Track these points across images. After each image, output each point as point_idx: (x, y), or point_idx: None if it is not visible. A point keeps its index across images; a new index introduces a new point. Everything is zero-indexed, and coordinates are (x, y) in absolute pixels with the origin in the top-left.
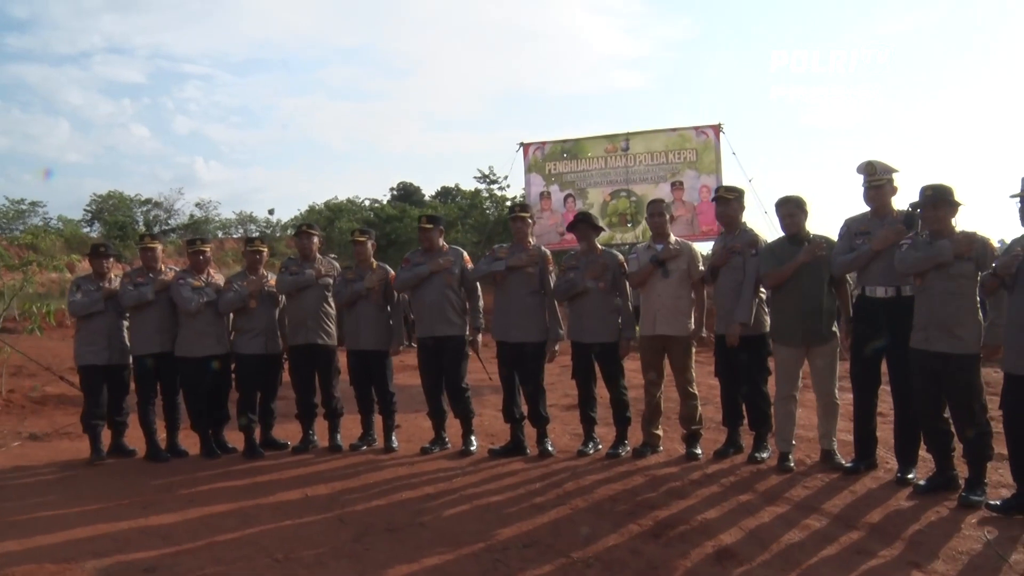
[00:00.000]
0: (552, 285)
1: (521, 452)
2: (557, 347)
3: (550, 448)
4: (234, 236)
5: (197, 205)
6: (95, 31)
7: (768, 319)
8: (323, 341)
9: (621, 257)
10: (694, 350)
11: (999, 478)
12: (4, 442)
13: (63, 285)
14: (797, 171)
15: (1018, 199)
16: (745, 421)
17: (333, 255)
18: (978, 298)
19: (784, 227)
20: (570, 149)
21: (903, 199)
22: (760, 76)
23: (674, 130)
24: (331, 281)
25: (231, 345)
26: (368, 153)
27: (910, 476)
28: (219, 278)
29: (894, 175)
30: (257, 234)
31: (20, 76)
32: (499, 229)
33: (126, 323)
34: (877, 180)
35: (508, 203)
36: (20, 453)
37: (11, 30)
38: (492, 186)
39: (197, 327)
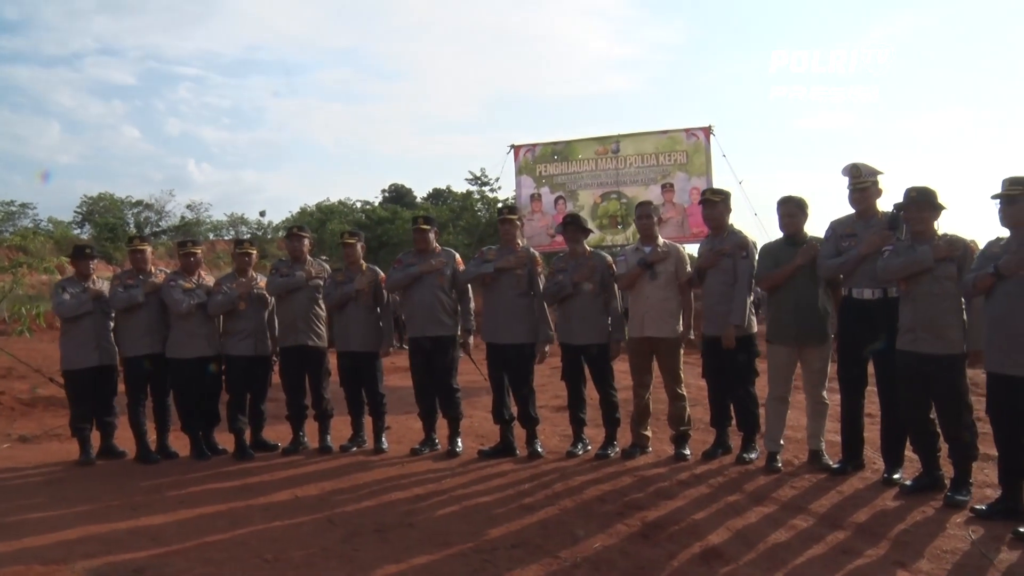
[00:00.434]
0: (541, 287)
1: (511, 453)
2: (547, 348)
3: (540, 449)
4: (225, 238)
5: (188, 207)
6: (87, 33)
7: (756, 320)
8: (313, 343)
9: (610, 259)
10: (682, 352)
11: (984, 478)
12: None
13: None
14: (788, 173)
15: (998, 200)
16: (733, 422)
17: (324, 257)
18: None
19: (783, 226)
20: (561, 151)
21: (889, 200)
22: (751, 78)
23: (664, 132)
24: (321, 283)
25: (221, 346)
26: (360, 155)
27: (896, 476)
28: (210, 280)
29: (879, 177)
30: (248, 236)
31: (10, 77)
32: (490, 231)
33: (111, 323)
34: (862, 183)
35: (500, 205)
36: (9, 455)
37: (2, 31)
38: (484, 188)
39: (188, 328)
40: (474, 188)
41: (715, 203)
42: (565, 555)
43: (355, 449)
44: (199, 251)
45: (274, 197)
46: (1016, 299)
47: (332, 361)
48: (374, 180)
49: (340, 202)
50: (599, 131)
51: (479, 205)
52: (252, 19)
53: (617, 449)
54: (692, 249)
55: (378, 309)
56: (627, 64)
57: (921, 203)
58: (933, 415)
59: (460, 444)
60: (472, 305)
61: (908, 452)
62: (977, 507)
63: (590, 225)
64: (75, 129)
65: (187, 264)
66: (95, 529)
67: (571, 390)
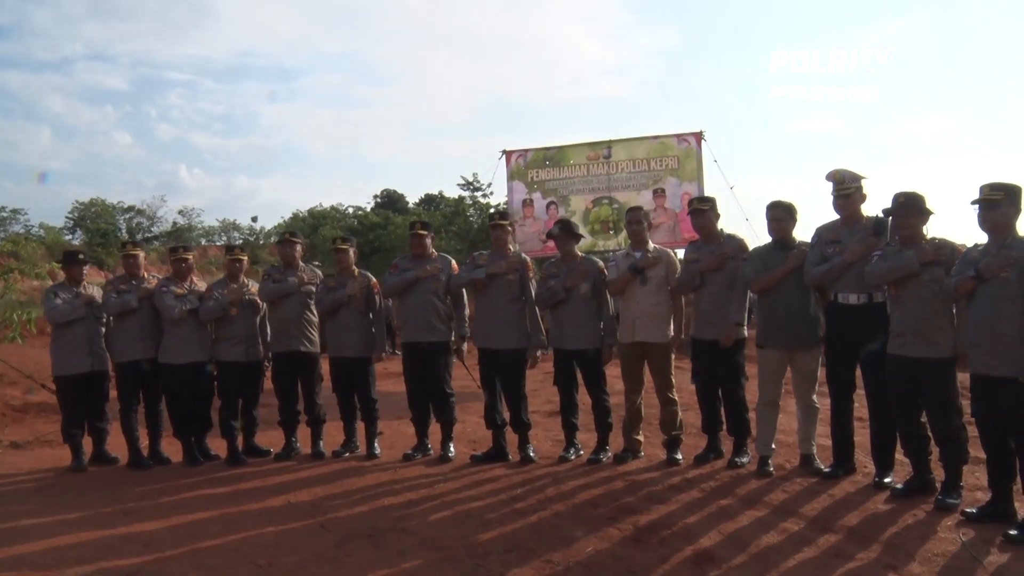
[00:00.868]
0: (533, 292)
1: (503, 458)
2: (539, 353)
3: (532, 454)
4: (217, 244)
5: (180, 212)
6: (77, 38)
7: (746, 324)
8: (306, 348)
9: (601, 264)
10: (674, 356)
11: (975, 481)
12: None
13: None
14: (779, 178)
15: (977, 206)
16: (724, 427)
17: (316, 263)
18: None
19: (771, 231)
20: (552, 156)
21: (877, 205)
22: (744, 83)
23: (656, 138)
24: (314, 289)
25: (213, 352)
26: (352, 160)
27: (887, 480)
28: (202, 285)
29: (862, 182)
30: (239, 242)
31: (1, 83)
32: (483, 236)
33: (103, 329)
34: (845, 189)
35: (491, 210)
36: (1, 461)
37: None
38: (476, 193)
39: (180, 334)
40: (466, 193)
41: (704, 211)
42: (557, 559)
43: (348, 454)
44: (191, 257)
45: (266, 202)
46: (998, 301)
47: (324, 367)
48: (366, 185)
49: (332, 207)
50: (591, 136)
51: (471, 210)
52: (244, 25)
53: (609, 454)
54: (682, 254)
55: (371, 315)
56: (619, 69)
57: (909, 208)
58: (924, 419)
59: (453, 449)
60: (467, 311)
61: (899, 456)
62: (968, 510)
63: (581, 230)
64: (66, 135)
65: (179, 270)
66: (87, 535)
67: (563, 395)
